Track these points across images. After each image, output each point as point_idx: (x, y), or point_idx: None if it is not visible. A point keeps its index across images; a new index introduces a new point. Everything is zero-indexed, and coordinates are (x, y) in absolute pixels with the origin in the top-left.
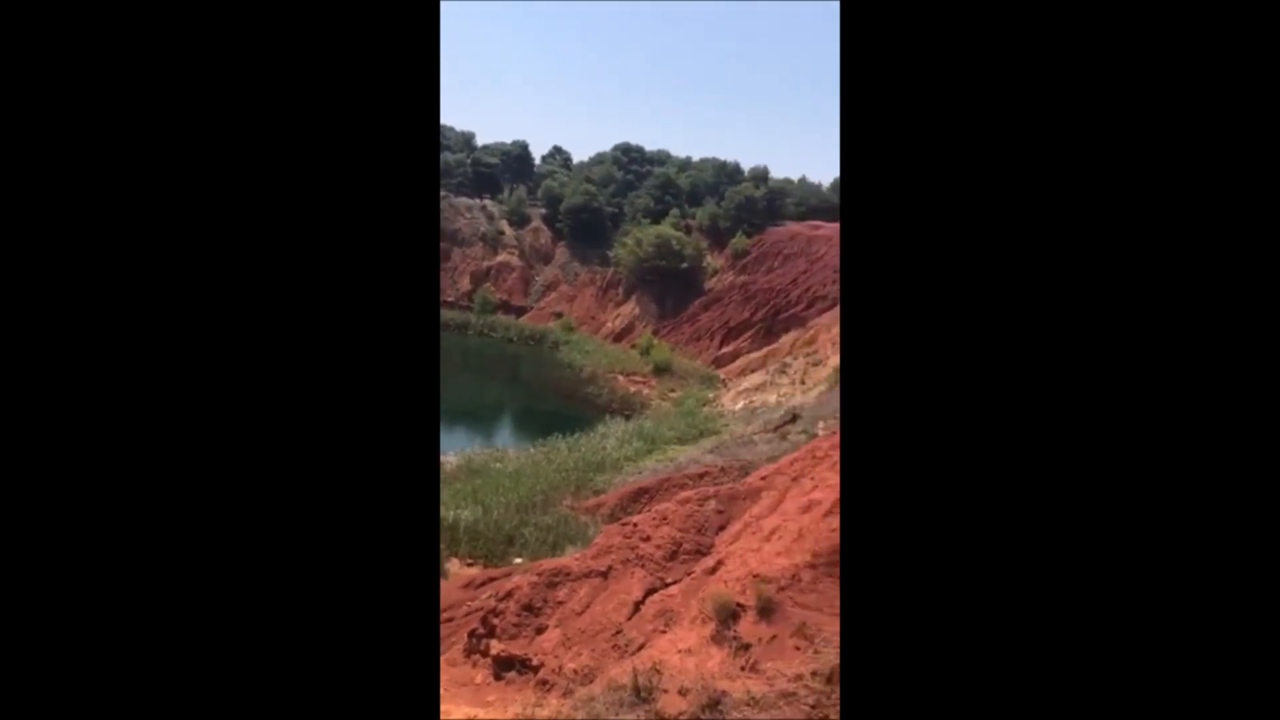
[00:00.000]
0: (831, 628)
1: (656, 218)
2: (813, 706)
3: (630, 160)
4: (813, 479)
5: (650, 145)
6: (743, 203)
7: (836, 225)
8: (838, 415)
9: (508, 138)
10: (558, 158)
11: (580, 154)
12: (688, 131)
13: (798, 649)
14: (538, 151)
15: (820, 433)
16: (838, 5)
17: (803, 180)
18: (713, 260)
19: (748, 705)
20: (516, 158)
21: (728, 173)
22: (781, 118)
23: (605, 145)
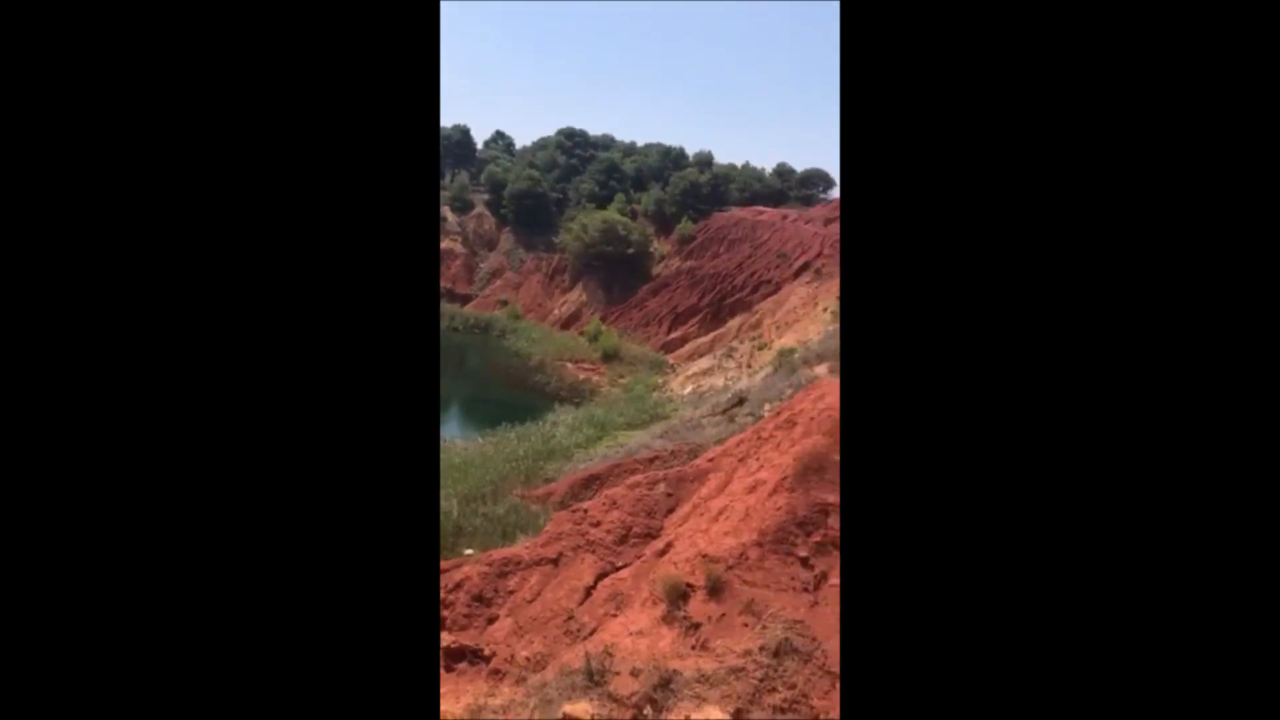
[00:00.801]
0: (778, 603)
1: (602, 203)
2: (761, 680)
3: (574, 145)
4: (758, 459)
5: (594, 130)
6: (688, 188)
7: (779, 211)
8: (783, 397)
9: (448, 122)
10: (500, 142)
11: (523, 139)
12: (631, 116)
13: (746, 625)
14: (479, 136)
15: (766, 414)
16: (828, 4)
17: (746, 166)
18: (659, 246)
19: (698, 682)
20: (458, 143)
21: (672, 158)
22: (723, 103)
23: (548, 130)
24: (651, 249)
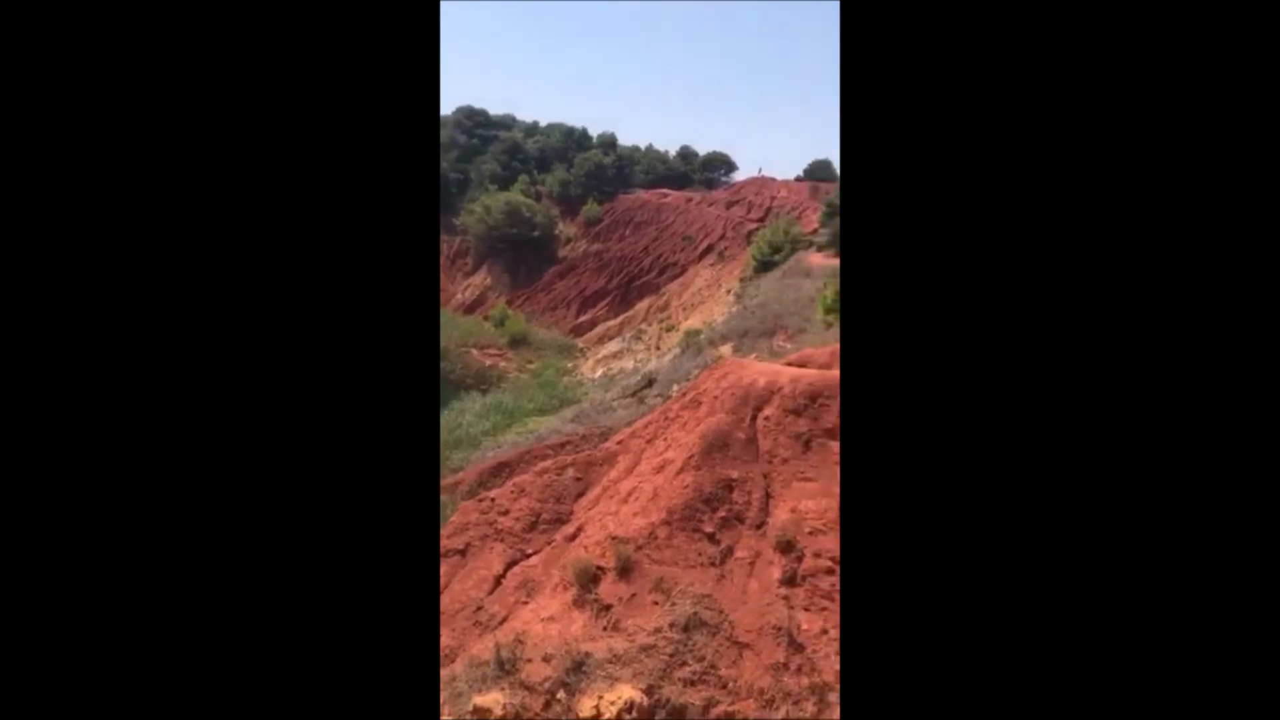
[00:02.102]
0: (686, 579)
1: (504, 184)
2: (671, 655)
3: (474, 124)
4: (665, 440)
5: (494, 109)
6: (593, 170)
7: (683, 193)
8: (690, 377)
9: None
10: None
11: None
12: (531, 95)
13: (656, 603)
14: None
15: (674, 395)
16: (822, 3)
17: (650, 148)
18: (565, 228)
19: (610, 663)
20: None
21: (575, 139)
22: (626, 84)
23: (446, 108)
24: (557, 231)
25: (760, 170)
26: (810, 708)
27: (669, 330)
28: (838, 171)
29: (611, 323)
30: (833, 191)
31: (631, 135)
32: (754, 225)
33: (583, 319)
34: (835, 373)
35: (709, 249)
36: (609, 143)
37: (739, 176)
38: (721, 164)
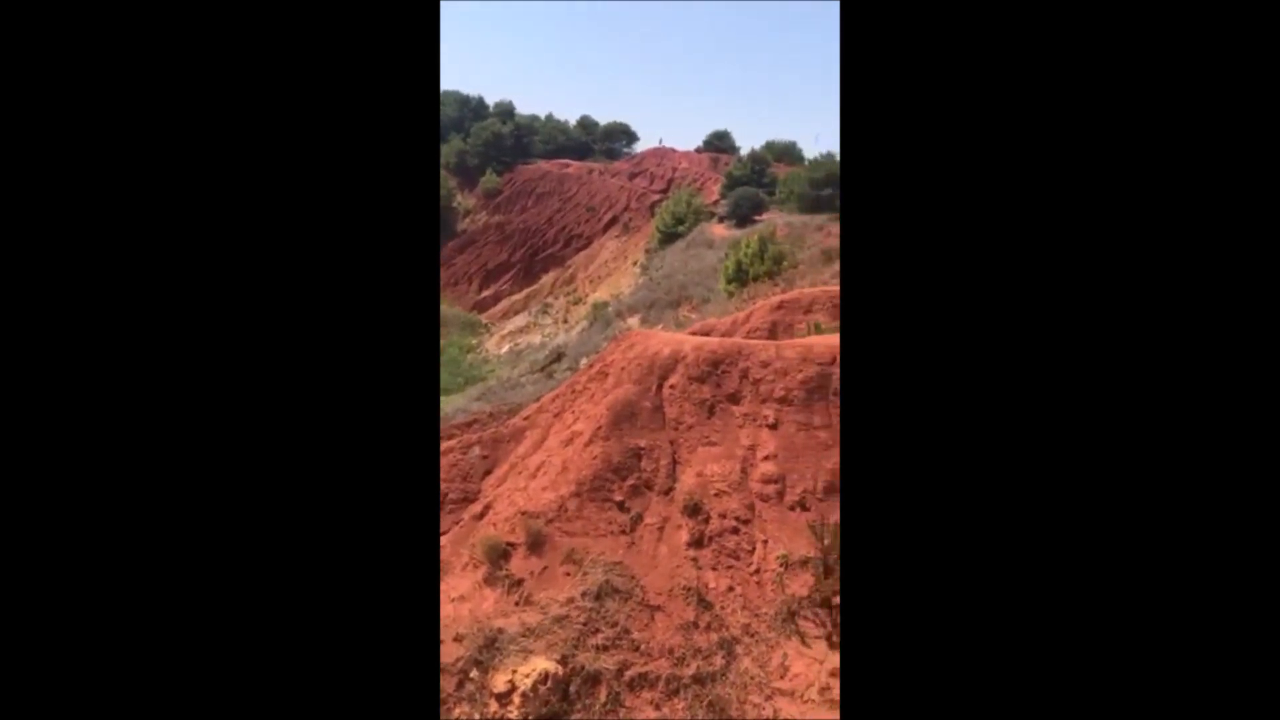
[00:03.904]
0: (598, 548)
1: None
2: (584, 624)
3: None
4: (573, 413)
5: None
6: (491, 139)
7: (585, 164)
8: (599, 350)
9: None
10: None
11: None
12: None
13: (568, 575)
14: None
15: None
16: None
17: (550, 118)
18: (463, 200)
19: (523, 637)
20: None
21: (471, 108)
22: (524, 52)
23: None
24: (455, 203)
25: (661, 141)
26: (719, 661)
27: (576, 303)
28: (737, 143)
29: (516, 297)
30: (732, 163)
31: (530, 105)
32: (657, 196)
33: (485, 294)
34: (736, 340)
35: (613, 220)
36: (507, 111)
37: (640, 147)
38: (622, 134)
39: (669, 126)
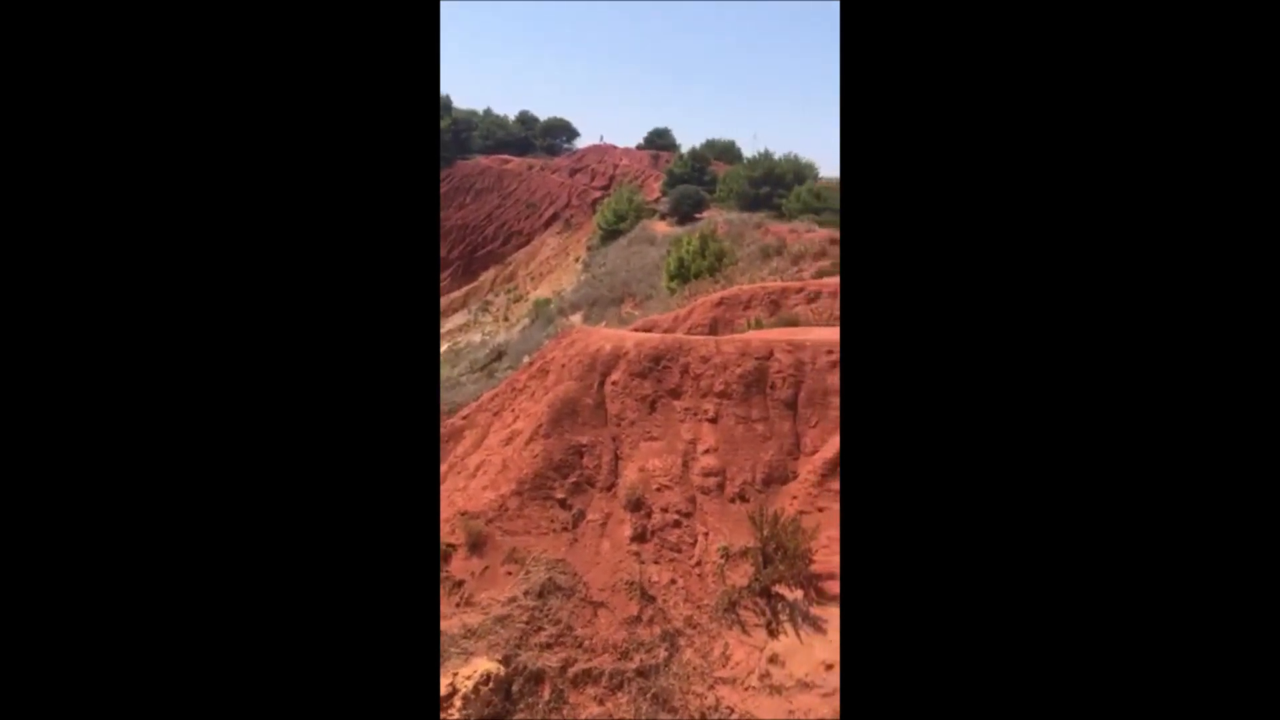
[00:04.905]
0: (539, 547)
1: None
2: (527, 623)
3: None
4: (513, 411)
5: None
6: None
7: (525, 160)
8: (540, 347)
9: None
10: None
11: None
12: None
13: (509, 574)
14: None
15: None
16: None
17: (488, 112)
18: None
19: (464, 638)
20: None
21: None
22: (461, 45)
23: None
24: None
25: (602, 138)
26: (662, 653)
27: (517, 301)
28: (677, 140)
29: (455, 294)
30: (672, 160)
31: (467, 99)
32: (598, 193)
33: None
34: (678, 336)
35: (554, 217)
36: (444, 106)
37: (580, 144)
38: (563, 130)
39: (609, 123)
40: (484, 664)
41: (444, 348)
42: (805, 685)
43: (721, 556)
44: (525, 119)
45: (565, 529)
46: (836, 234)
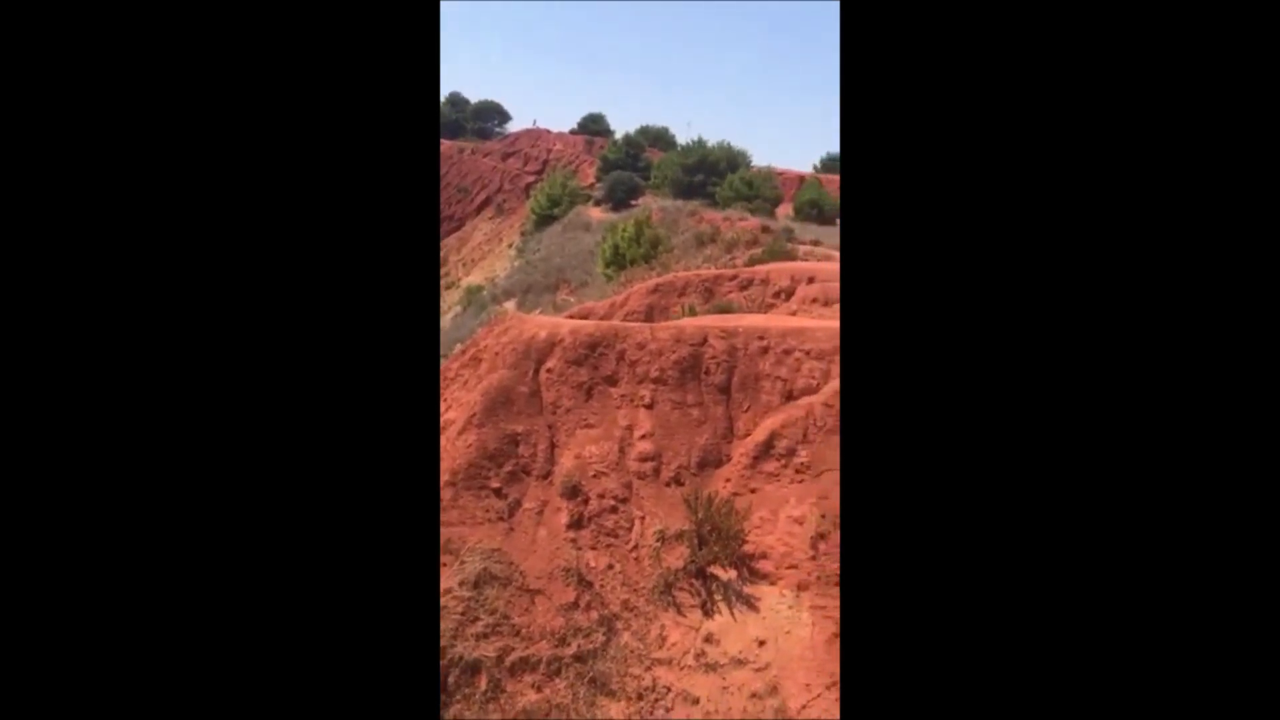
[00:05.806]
0: (475, 537)
1: None
2: (463, 614)
3: None
4: (446, 400)
5: None
6: None
7: (456, 143)
8: (472, 335)
9: None
10: None
11: None
12: None
13: (445, 565)
14: None
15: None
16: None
17: None
18: None
19: None
20: None
21: None
22: None
23: None
24: None
25: (535, 122)
26: (599, 638)
27: (448, 287)
28: (611, 126)
29: None
30: (607, 146)
31: None
32: (531, 178)
33: None
34: (614, 322)
35: (486, 201)
36: None
37: (513, 127)
38: (495, 113)
39: (542, 107)
40: None
41: None
42: (739, 662)
43: (657, 540)
44: (455, 100)
45: (501, 518)
46: (769, 222)
